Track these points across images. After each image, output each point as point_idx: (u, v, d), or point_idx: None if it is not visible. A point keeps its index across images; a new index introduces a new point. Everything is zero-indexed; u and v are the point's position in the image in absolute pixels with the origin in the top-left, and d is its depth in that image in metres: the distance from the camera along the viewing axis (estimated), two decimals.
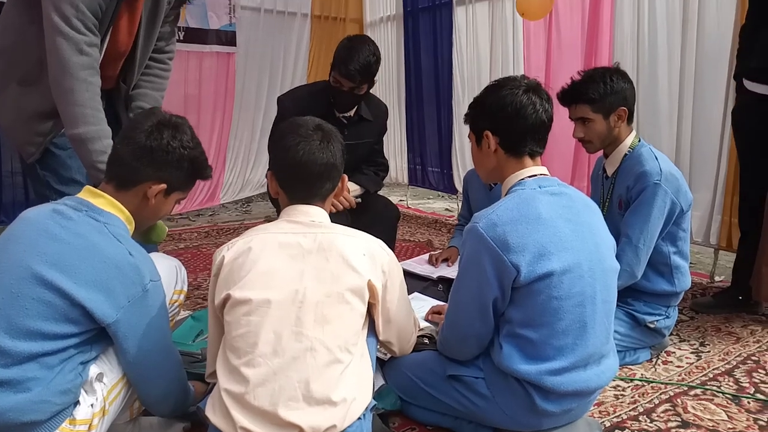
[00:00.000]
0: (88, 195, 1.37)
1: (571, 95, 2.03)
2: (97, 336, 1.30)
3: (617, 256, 1.91)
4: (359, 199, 2.49)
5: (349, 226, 1.44)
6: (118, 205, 1.38)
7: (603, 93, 1.97)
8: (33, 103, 1.80)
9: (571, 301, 1.39)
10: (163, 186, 1.41)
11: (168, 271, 1.66)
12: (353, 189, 2.51)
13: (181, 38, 4.47)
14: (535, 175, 1.49)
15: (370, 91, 2.51)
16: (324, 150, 1.39)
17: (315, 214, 1.39)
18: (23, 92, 1.81)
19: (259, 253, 1.31)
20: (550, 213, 1.41)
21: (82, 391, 1.28)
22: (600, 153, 2.17)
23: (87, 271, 1.24)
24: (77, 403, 1.27)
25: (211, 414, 1.26)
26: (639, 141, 2.06)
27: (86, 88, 1.70)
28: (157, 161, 1.38)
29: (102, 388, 1.31)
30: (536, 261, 1.36)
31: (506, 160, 1.51)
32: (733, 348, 2.19)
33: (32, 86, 1.80)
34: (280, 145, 1.41)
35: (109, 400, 1.33)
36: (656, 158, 1.97)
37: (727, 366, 2.05)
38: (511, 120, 1.47)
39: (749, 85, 2.34)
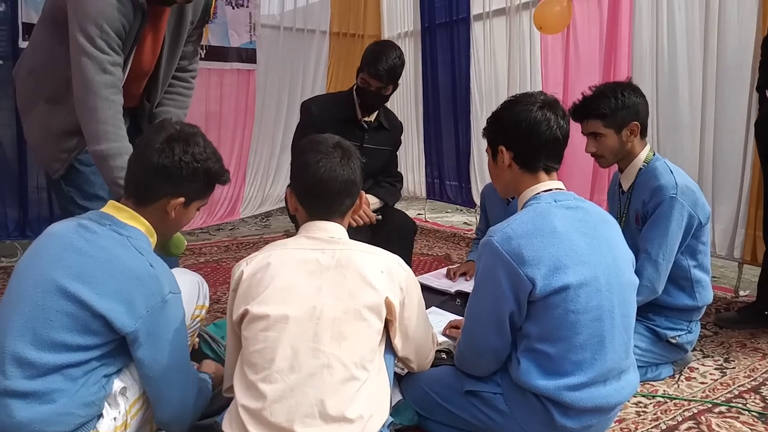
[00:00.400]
0: (112, 209, 1.41)
1: (582, 110, 2.02)
2: (120, 349, 1.32)
3: (637, 272, 1.89)
4: (380, 216, 2.51)
5: (368, 241, 1.45)
6: (141, 219, 1.41)
7: (614, 108, 1.96)
8: (60, 121, 1.86)
9: (589, 315, 1.38)
10: (182, 200, 1.43)
11: (190, 286, 1.68)
12: (372, 202, 2.54)
13: (203, 56, 4.54)
14: (551, 190, 1.49)
15: (388, 107, 2.57)
16: (344, 167, 1.40)
17: (334, 231, 1.40)
18: (51, 110, 1.87)
19: (278, 269, 1.31)
20: (566, 227, 1.41)
21: (106, 404, 1.30)
22: (616, 168, 2.15)
23: (109, 282, 1.27)
24: (100, 416, 1.29)
25: (228, 429, 1.26)
26: (654, 155, 2.04)
27: (109, 106, 1.74)
28: (172, 178, 1.40)
29: (125, 402, 1.33)
30: (552, 274, 1.36)
31: (521, 175, 1.52)
32: (760, 364, 2.14)
33: (59, 104, 1.85)
34: (301, 162, 1.42)
35: (131, 414, 1.35)
36: (671, 172, 1.95)
37: (753, 383, 2.00)
38: (525, 136, 1.48)
39: None
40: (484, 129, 1.63)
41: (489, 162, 1.62)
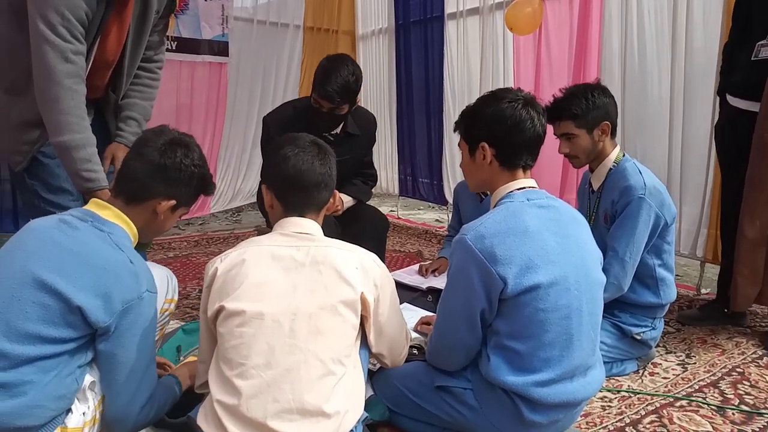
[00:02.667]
0: (95, 207, 1.41)
1: (554, 112, 2.05)
2: (91, 341, 1.30)
3: (604, 270, 1.93)
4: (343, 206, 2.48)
5: (338, 237, 1.45)
6: (124, 217, 1.41)
7: (586, 108, 2.00)
8: (20, 112, 1.80)
9: (558, 314, 1.40)
10: (173, 202, 1.45)
11: (159, 281, 1.65)
12: (346, 201, 2.52)
13: (174, 48, 4.47)
14: (524, 188, 1.51)
15: (358, 102, 2.50)
16: (322, 160, 1.43)
17: (308, 227, 1.40)
18: (11, 101, 1.82)
19: (253, 265, 1.31)
20: (538, 226, 1.43)
21: (75, 399, 1.28)
22: (586, 168, 2.20)
23: (87, 276, 1.26)
24: (69, 411, 1.27)
25: (204, 424, 1.26)
26: (624, 155, 2.09)
27: (71, 96, 1.70)
28: (170, 178, 1.42)
29: (93, 396, 1.31)
30: (523, 273, 1.38)
31: (499, 172, 1.52)
32: (719, 360, 2.21)
33: (19, 95, 1.80)
34: (279, 155, 1.42)
35: (100, 409, 1.33)
36: (640, 172, 2.00)
37: (712, 377, 2.07)
38: (510, 133, 1.48)
39: (732, 100, 2.39)
40: (457, 123, 1.62)
41: (464, 157, 1.60)
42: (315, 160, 1.41)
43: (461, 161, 1.64)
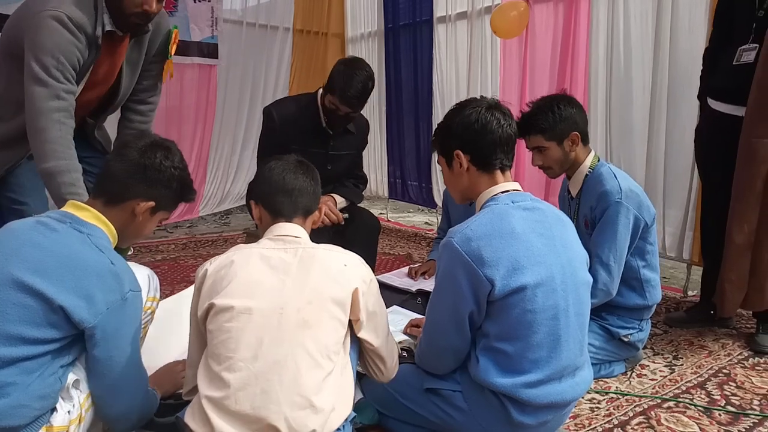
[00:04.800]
0: (73, 208, 1.39)
1: (523, 127, 2.07)
2: (74, 341, 1.29)
3: (591, 277, 1.96)
4: (346, 215, 2.50)
5: (330, 242, 1.47)
6: (103, 219, 1.40)
7: (553, 121, 2.03)
8: None
9: (545, 315, 1.41)
10: (152, 204, 1.44)
11: (141, 280, 1.66)
12: (339, 201, 2.52)
13: None
14: (508, 191, 1.52)
15: None
16: (305, 173, 1.51)
17: (296, 231, 1.44)
18: None
19: (242, 266, 1.34)
20: (524, 228, 1.44)
21: (60, 397, 1.27)
22: (564, 175, 2.22)
23: (67, 277, 1.25)
24: (54, 410, 1.26)
25: (191, 420, 1.26)
26: (599, 161, 2.11)
27: (59, 127, 1.82)
28: (149, 179, 1.42)
29: (78, 395, 1.31)
30: (510, 275, 1.38)
31: (478, 177, 1.54)
32: (705, 361, 2.23)
33: (2, 122, 1.95)
34: (264, 169, 1.52)
35: (85, 407, 1.32)
36: (615, 176, 2.01)
37: (699, 379, 2.09)
38: (480, 135, 1.51)
39: (713, 104, 2.43)
40: (432, 142, 1.66)
41: (444, 171, 1.64)
42: (298, 171, 1.50)
43: (443, 177, 1.67)
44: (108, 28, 1.90)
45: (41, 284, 1.22)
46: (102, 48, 1.93)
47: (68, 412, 1.27)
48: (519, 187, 1.55)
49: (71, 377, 1.30)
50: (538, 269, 1.41)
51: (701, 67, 2.55)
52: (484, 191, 1.54)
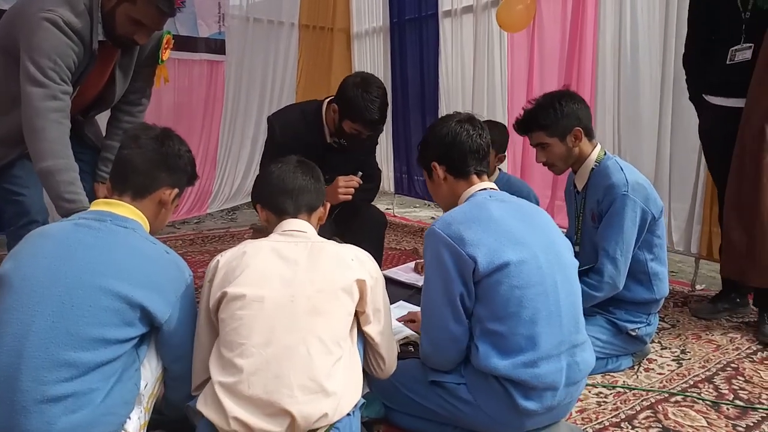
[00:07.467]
0: (107, 206, 1.38)
1: (525, 124, 2.10)
2: (141, 341, 1.31)
3: (597, 270, 1.96)
4: (361, 173, 2.42)
5: (334, 233, 1.48)
6: (138, 212, 1.41)
7: (555, 118, 2.03)
8: None
9: (533, 290, 1.44)
10: (176, 190, 1.48)
11: None
12: (358, 177, 2.42)
13: (171, 46, 4.47)
14: (485, 189, 1.61)
15: None
16: (305, 171, 1.55)
17: (304, 226, 1.48)
18: None
19: (253, 256, 1.37)
20: (502, 214, 1.53)
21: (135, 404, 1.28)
22: (570, 169, 2.21)
23: (136, 272, 1.26)
24: (128, 417, 1.26)
25: (203, 407, 1.27)
26: (605, 154, 2.10)
27: (57, 127, 1.84)
28: (171, 166, 1.46)
29: (144, 400, 1.31)
30: (492, 253, 1.44)
31: (456, 183, 1.66)
32: (713, 355, 2.22)
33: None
34: (266, 172, 1.58)
35: (149, 411, 1.34)
36: (622, 169, 2.00)
37: (707, 373, 2.08)
38: (451, 146, 1.64)
39: (714, 99, 2.42)
40: (417, 159, 1.76)
41: (428, 183, 1.76)
42: (297, 171, 1.54)
43: (428, 188, 1.78)
44: (101, 38, 1.94)
45: (115, 284, 1.21)
46: (96, 57, 1.96)
47: (138, 418, 1.28)
48: (496, 187, 1.66)
49: (141, 383, 1.30)
50: (519, 248, 1.47)
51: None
52: (464, 192, 1.65)
